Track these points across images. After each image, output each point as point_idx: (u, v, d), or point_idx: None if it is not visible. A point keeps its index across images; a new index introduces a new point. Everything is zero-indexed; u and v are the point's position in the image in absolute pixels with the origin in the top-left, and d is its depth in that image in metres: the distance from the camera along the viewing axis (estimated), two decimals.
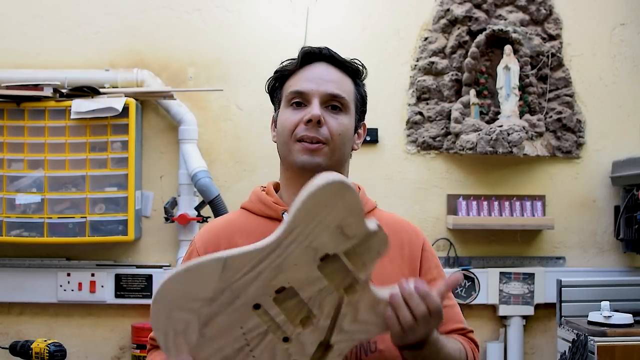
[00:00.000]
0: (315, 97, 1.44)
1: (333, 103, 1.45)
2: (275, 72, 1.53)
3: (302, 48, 1.50)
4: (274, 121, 1.54)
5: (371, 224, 1.17)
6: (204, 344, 1.17)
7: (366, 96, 1.55)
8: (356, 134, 1.53)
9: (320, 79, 1.46)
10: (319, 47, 1.50)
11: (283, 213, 1.46)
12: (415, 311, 1.20)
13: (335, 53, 1.50)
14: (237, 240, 1.44)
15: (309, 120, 1.42)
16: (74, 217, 2.91)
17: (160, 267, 3.05)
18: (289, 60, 1.52)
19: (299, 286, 1.17)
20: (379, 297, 1.20)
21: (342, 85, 1.47)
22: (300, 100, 1.45)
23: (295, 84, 1.47)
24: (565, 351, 2.74)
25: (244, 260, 1.16)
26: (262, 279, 1.16)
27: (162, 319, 1.16)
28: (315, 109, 1.42)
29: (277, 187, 1.56)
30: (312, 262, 1.16)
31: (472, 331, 1.56)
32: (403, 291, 1.20)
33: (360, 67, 1.53)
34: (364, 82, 1.55)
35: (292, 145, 1.44)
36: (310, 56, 1.49)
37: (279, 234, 1.15)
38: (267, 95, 1.56)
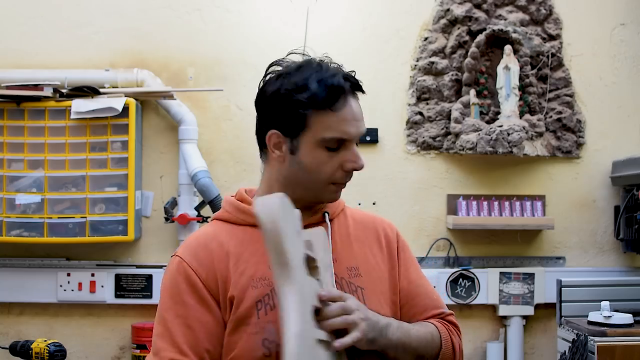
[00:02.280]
0: (355, 142, 1.42)
1: None
2: (304, 102, 1.37)
3: (328, 81, 1.37)
4: (288, 148, 1.41)
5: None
6: None
7: None
8: None
9: (354, 120, 1.41)
10: (345, 78, 1.40)
11: None
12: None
13: (355, 79, 1.43)
14: (230, 249, 1.42)
15: (353, 169, 1.42)
16: (74, 217, 2.91)
17: (160, 267, 3.04)
18: (305, 87, 1.37)
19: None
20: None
21: (363, 114, 1.45)
22: (338, 144, 1.40)
23: (335, 127, 1.38)
24: (565, 351, 2.74)
25: None
26: None
27: None
28: (360, 159, 1.41)
29: (249, 194, 1.52)
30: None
31: (452, 314, 1.57)
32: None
33: (358, 80, 1.46)
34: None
35: (325, 186, 1.43)
36: (339, 90, 1.38)
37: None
38: None
